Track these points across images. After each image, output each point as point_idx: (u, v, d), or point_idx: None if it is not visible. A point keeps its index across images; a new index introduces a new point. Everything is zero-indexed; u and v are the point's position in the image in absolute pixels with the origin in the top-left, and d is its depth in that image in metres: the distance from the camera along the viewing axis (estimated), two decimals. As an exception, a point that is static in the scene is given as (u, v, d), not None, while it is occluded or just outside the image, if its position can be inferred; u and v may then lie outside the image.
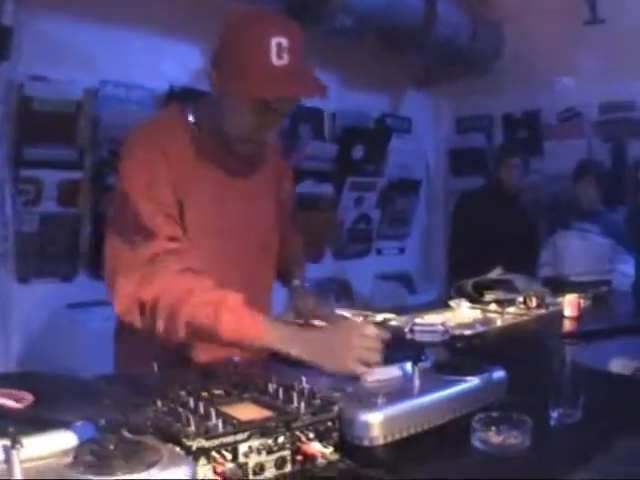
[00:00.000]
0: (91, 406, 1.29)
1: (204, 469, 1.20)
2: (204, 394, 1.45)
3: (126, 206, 1.92)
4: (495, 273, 3.65)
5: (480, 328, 2.77)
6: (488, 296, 3.38)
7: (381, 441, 1.41)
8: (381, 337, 1.76)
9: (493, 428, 1.49)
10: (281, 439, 1.30)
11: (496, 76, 6.09)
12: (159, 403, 1.36)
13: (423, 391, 1.55)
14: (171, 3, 4.38)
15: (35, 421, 1.19)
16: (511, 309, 3.21)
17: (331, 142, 5.79)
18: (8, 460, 1.01)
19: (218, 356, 1.90)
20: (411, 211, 6.79)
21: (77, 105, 4.18)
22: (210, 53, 2.02)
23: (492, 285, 3.52)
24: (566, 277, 4.10)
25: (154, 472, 1.05)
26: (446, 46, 5.66)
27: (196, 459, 1.18)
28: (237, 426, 1.26)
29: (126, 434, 1.19)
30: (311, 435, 1.35)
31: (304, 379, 1.47)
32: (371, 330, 1.76)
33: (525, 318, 3.07)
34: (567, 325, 3.04)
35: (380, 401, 1.45)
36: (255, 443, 1.27)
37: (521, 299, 3.30)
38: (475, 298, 3.36)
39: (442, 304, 3.34)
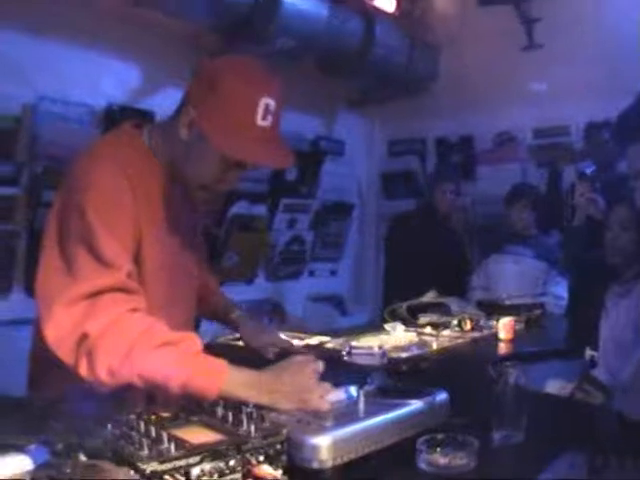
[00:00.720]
0: (42, 429, 1.25)
1: (158, 493, 1.19)
2: (153, 417, 1.44)
3: (82, 234, 1.78)
4: (429, 296, 3.66)
5: (416, 351, 2.78)
6: (422, 319, 3.40)
7: (330, 464, 1.41)
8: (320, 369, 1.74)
9: (439, 450, 1.51)
10: (232, 462, 1.30)
11: (431, 99, 6.12)
12: (110, 426, 1.34)
13: (369, 414, 1.55)
14: (108, 19, 4.33)
15: None
16: (446, 332, 3.24)
17: (266, 163, 5.70)
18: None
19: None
20: (344, 234, 6.77)
21: (15, 120, 4.11)
22: (188, 88, 1.96)
23: (426, 308, 3.54)
24: (499, 300, 4.13)
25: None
26: (383, 68, 5.67)
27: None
28: (189, 449, 1.25)
29: (82, 458, 1.17)
30: (261, 458, 1.35)
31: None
32: (318, 365, 1.74)
33: (460, 341, 3.10)
34: (502, 347, 3.07)
35: (328, 424, 1.46)
36: (207, 467, 1.26)
37: (456, 322, 3.33)
38: (410, 321, 3.37)
39: (376, 327, 3.35)
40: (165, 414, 1.47)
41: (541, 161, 5.85)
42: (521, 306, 3.77)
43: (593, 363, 2.77)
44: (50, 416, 1.44)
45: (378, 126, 6.81)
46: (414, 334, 3.14)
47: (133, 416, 1.42)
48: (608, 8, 5.01)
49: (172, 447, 1.24)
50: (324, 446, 1.40)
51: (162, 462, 1.20)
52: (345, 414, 1.55)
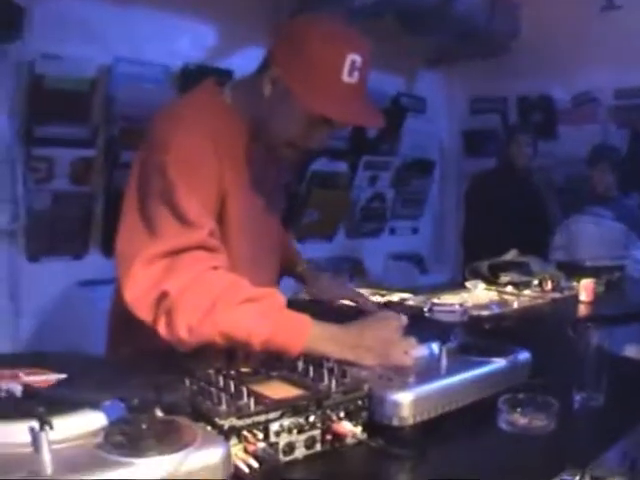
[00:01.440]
0: (119, 385, 1.24)
1: (235, 448, 1.19)
2: (232, 372, 1.45)
3: (163, 194, 1.77)
4: (510, 255, 3.64)
5: (497, 310, 2.77)
6: (503, 278, 3.38)
7: (410, 421, 1.40)
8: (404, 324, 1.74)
9: (519, 410, 1.50)
10: (312, 418, 1.30)
11: (511, 58, 6.04)
12: (188, 382, 1.36)
13: (451, 371, 1.55)
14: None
15: (62, 401, 1.15)
16: (527, 291, 3.21)
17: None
18: (37, 442, 0.98)
19: None
20: (425, 191, 6.74)
21: (91, 83, 4.14)
22: (272, 47, 1.94)
23: (507, 267, 3.51)
24: (580, 262, 4.07)
25: (188, 453, 1.03)
26: (463, 26, 5.60)
27: (227, 438, 1.17)
28: (269, 405, 1.26)
29: (158, 413, 1.17)
30: (341, 414, 1.35)
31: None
32: (402, 320, 1.73)
33: (540, 301, 3.06)
34: (583, 309, 3.04)
35: (410, 381, 1.46)
36: (286, 422, 1.26)
37: (536, 282, 3.30)
38: (490, 280, 3.35)
39: (457, 285, 3.34)
40: (245, 369, 1.48)
41: (622, 122, 5.74)
42: (602, 268, 3.71)
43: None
44: (129, 373, 1.42)
45: (459, 84, 6.74)
46: (495, 293, 3.13)
47: (212, 371, 1.43)
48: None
49: (251, 402, 1.24)
50: (406, 403, 1.39)
51: (240, 417, 1.20)
52: (427, 371, 1.54)
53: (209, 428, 1.18)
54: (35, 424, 1.00)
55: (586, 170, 5.13)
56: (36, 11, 3.84)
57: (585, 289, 3.13)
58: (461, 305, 2.63)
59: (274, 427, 1.25)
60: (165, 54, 4.48)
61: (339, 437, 1.34)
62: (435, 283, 4.34)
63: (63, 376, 1.30)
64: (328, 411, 1.33)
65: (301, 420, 1.28)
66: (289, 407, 1.27)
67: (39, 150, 4.04)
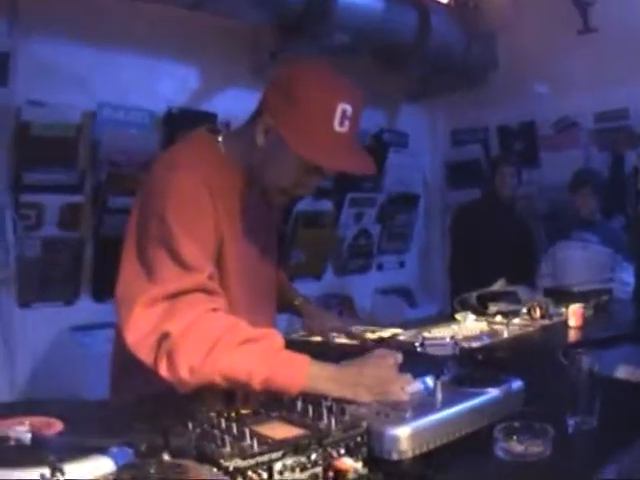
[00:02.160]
0: (124, 430, 1.27)
1: (240, 489, 1.22)
2: (233, 414, 1.46)
3: (162, 239, 1.80)
4: (498, 285, 3.66)
5: (487, 340, 2.78)
6: (492, 308, 3.40)
7: (409, 454, 1.43)
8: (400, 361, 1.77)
9: (515, 437, 1.52)
10: (314, 456, 1.32)
11: (490, 87, 6.11)
12: (190, 425, 1.37)
13: (447, 404, 1.57)
14: (165, 24, 4.40)
15: (71, 448, 1.17)
16: (516, 320, 3.22)
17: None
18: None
19: None
20: (410, 225, 6.79)
21: (76, 128, 4.18)
22: (265, 94, 1.99)
23: (495, 297, 3.54)
24: (567, 287, 4.10)
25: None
26: (441, 59, 5.70)
27: (233, 479, 1.20)
28: (271, 445, 1.28)
29: (166, 458, 1.19)
30: (342, 451, 1.37)
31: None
32: (398, 358, 1.77)
33: (530, 329, 3.08)
34: (573, 334, 3.07)
35: (407, 415, 1.48)
36: (289, 461, 1.28)
37: (525, 310, 3.32)
38: (480, 310, 3.38)
39: (446, 317, 3.36)
40: (245, 411, 1.50)
41: (603, 145, 5.79)
42: (589, 292, 3.74)
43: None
44: (132, 417, 1.46)
45: (440, 117, 6.81)
46: (485, 323, 3.14)
47: (213, 414, 1.44)
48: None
49: (254, 443, 1.26)
50: (404, 437, 1.42)
51: (245, 458, 1.22)
52: (423, 405, 1.57)
53: (215, 470, 1.20)
54: (46, 471, 1.02)
55: (569, 195, 5.18)
56: (20, 58, 3.87)
57: (574, 314, 3.16)
58: (452, 338, 2.66)
59: (277, 466, 1.27)
60: (148, 99, 4.52)
61: (341, 473, 1.36)
62: (425, 316, 4.37)
63: (68, 423, 1.32)
64: (329, 448, 1.35)
65: (303, 459, 1.30)
66: (291, 446, 1.29)
67: (28, 196, 4.07)
